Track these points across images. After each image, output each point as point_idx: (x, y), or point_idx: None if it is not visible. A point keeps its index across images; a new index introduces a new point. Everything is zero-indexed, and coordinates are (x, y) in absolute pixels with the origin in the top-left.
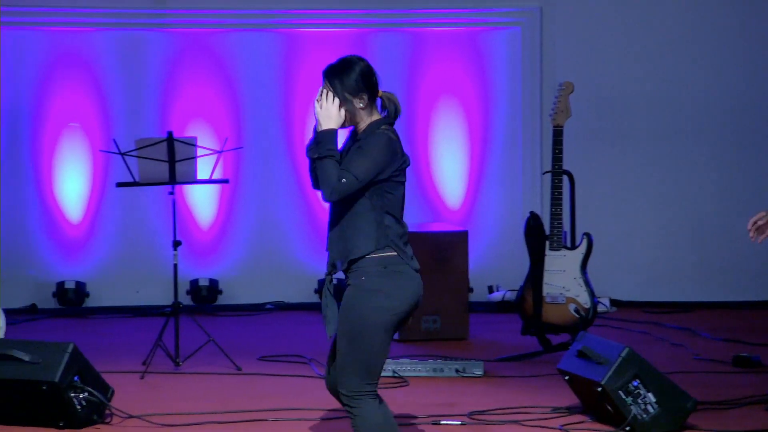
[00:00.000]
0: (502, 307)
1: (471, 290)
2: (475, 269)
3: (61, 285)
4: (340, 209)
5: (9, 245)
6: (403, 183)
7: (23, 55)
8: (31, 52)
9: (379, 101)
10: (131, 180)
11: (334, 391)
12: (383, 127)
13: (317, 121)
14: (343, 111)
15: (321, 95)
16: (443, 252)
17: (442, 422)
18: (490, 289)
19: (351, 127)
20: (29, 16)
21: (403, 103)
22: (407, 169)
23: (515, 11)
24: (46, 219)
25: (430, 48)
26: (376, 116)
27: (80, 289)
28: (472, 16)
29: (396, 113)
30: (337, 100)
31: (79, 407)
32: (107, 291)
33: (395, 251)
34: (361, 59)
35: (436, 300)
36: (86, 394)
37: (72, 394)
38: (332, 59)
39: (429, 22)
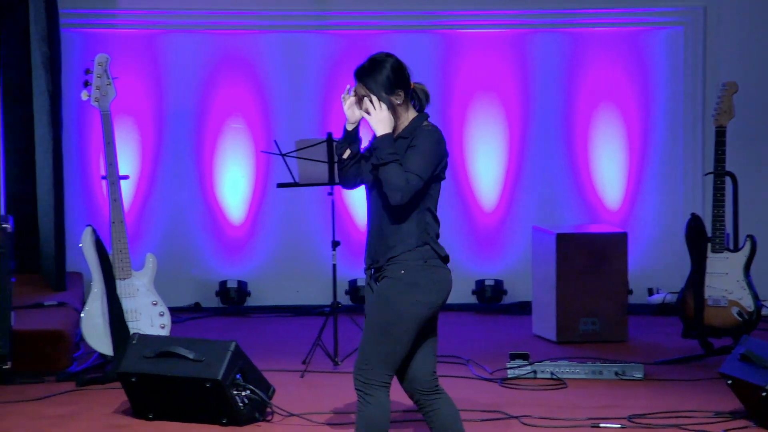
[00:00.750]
0: (662, 309)
1: (630, 292)
2: (635, 271)
3: (223, 284)
4: (383, 207)
5: (173, 245)
6: (442, 179)
7: (187, 58)
8: (194, 55)
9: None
10: (291, 181)
11: (411, 387)
12: (425, 123)
13: (346, 123)
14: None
15: (348, 93)
16: (602, 254)
17: (601, 425)
18: (650, 292)
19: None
20: (193, 19)
21: (561, 103)
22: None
23: (678, 11)
24: (209, 220)
25: (587, 48)
26: (412, 112)
27: (242, 288)
28: (632, 15)
29: (426, 103)
30: (384, 105)
31: (241, 405)
32: (268, 290)
33: (433, 248)
34: (389, 55)
35: (595, 302)
36: (248, 392)
37: (234, 392)
38: (490, 60)
39: (587, 22)
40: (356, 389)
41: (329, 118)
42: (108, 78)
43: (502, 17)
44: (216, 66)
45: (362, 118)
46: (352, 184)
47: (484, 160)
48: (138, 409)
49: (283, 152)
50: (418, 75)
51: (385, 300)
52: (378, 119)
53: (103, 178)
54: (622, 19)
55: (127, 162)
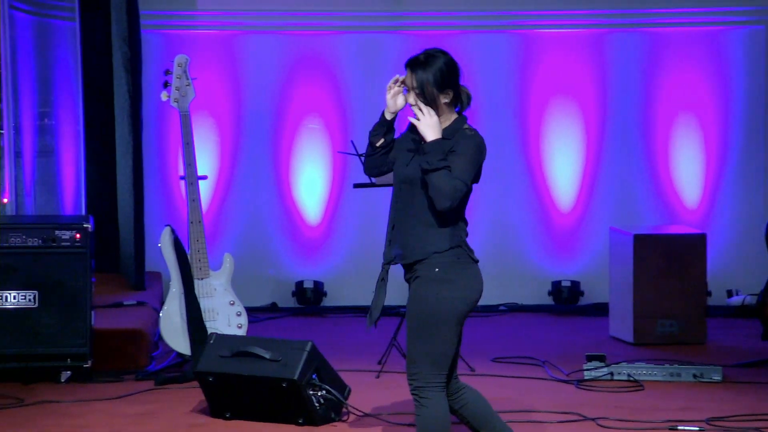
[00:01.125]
0: (741, 311)
1: (709, 294)
2: (714, 272)
3: (300, 284)
4: (422, 206)
5: (251, 245)
6: (476, 183)
7: (265, 59)
8: (272, 56)
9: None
10: (368, 181)
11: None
12: (465, 126)
13: (386, 111)
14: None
15: (395, 83)
16: (680, 255)
17: (679, 427)
18: (729, 293)
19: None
20: (272, 20)
21: (639, 102)
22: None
23: (758, 9)
24: (286, 220)
25: (665, 47)
26: (453, 113)
27: (318, 288)
28: (711, 15)
29: (466, 106)
30: (433, 111)
31: (317, 405)
32: (344, 290)
33: (464, 249)
34: (445, 53)
35: (672, 303)
36: (324, 391)
37: (311, 392)
38: (567, 60)
39: (665, 21)
40: (411, 393)
41: (406, 118)
42: (187, 79)
43: (580, 17)
44: (293, 66)
45: (401, 108)
46: (377, 173)
47: (561, 160)
48: (215, 409)
49: (360, 153)
50: (494, 75)
51: (423, 299)
52: (427, 124)
53: (182, 178)
54: (700, 18)
55: (206, 162)
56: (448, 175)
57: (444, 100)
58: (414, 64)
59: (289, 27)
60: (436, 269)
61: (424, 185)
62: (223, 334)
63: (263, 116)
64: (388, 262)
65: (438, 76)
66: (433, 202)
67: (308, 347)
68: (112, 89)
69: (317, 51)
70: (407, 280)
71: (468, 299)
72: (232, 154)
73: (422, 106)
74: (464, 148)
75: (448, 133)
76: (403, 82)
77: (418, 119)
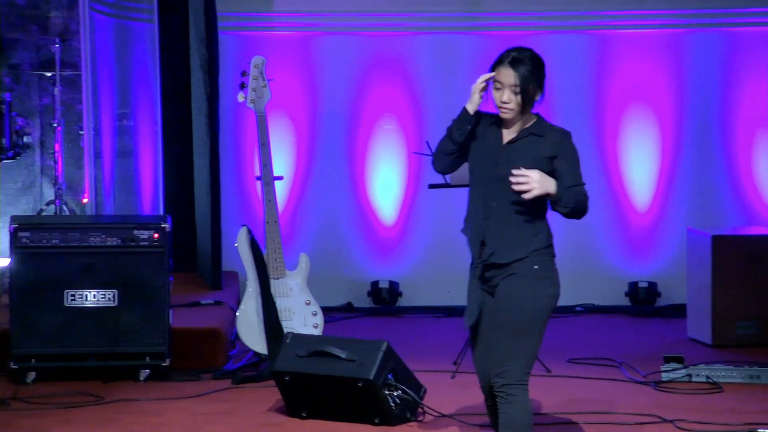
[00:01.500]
0: None
1: None
2: None
3: (375, 284)
4: (512, 204)
5: (326, 246)
6: None
7: (341, 60)
8: (348, 57)
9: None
10: (443, 182)
11: (489, 385)
12: (548, 122)
13: (470, 105)
14: None
15: (486, 80)
16: (760, 256)
17: (759, 431)
18: None
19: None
20: (348, 21)
21: (718, 102)
22: None
23: None
24: (361, 220)
25: (744, 47)
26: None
27: (393, 288)
28: None
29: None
30: (533, 170)
31: (393, 405)
32: (419, 291)
33: (553, 246)
34: (535, 53)
35: (752, 305)
36: (400, 392)
37: (386, 392)
38: (645, 60)
39: (743, 21)
40: (497, 391)
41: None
42: (264, 80)
43: (658, 17)
44: (369, 67)
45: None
46: (451, 170)
47: (637, 160)
48: (292, 408)
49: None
50: (571, 75)
51: (520, 296)
52: (540, 183)
53: (258, 178)
54: None
55: (282, 163)
56: (571, 191)
57: (537, 98)
58: (516, 62)
59: (365, 28)
60: (535, 267)
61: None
62: (300, 334)
63: (339, 117)
64: (483, 261)
65: (538, 74)
66: (573, 218)
67: (384, 347)
68: (190, 90)
69: (393, 52)
70: (486, 278)
71: (557, 295)
72: (308, 154)
73: (524, 171)
74: (568, 152)
75: (539, 130)
76: (500, 81)
77: (526, 189)
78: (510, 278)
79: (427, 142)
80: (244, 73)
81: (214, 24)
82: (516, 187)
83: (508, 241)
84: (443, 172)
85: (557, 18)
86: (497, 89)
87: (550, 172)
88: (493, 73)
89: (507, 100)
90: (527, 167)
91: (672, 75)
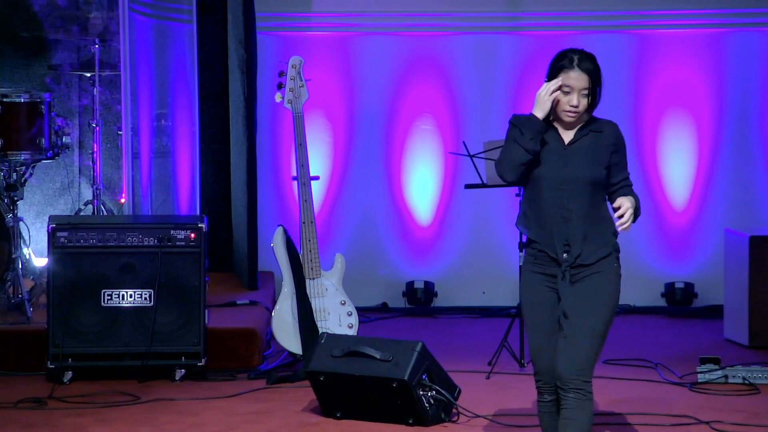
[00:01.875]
0: None
1: None
2: None
3: (410, 285)
4: (591, 204)
5: (362, 246)
6: None
7: (379, 60)
8: (386, 57)
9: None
10: (479, 182)
11: (554, 382)
12: (597, 119)
13: (540, 112)
14: None
15: (557, 86)
16: None
17: None
18: None
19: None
20: (386, 21)
21: (758, 103)
22: None
23: None
24: (397, 221)
25: None
26: None
27: (429, 289)
28: None
29: None
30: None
31: (427, 405)
32: (454, 291)
33: None
34: None
35: None
36: (434, 392)
37: (421, 392)
38: (685, 60)
39: None
40: (576, 389)
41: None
42: (301, 80)
43: (697, 17)
44: (407, 67)
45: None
46: (524, 178)
47: (676, 160)
48: (326, 408)
49: (472, 153)
50: (611, 75)
51: (608, 294)
52: (633, 210)
53: (294, 178)
54: None
55: (318, 163)
56: (632, 192)
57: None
58: (584, 65)
59: (404, 28)
60: (615, 264)
61: (593, 183)
62: (334, 334)
63: (376, 117)
64: (570, 264)
65: (601, 77)
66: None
67: (419, 347)
68: (228, 91)
69: (431, 52)
70: (563, 278)
71: None
72: (345, 154)
73: (623, 205)
74: (622, 144)
75: (596, 126)
76: (572, 86)
77: (626, 224)
78: (595, 276)
79: (464, 143)
80: (281, 74)
81: (252, 24)
82: (625, 226)
83: (591, 241)
84: (516, 183)
85: (596, 18)
86: (565, 93)
87: (608, 166)
88: (560, 79)
89: (577, 103)
90: (594, 165)
91: (711, 75)
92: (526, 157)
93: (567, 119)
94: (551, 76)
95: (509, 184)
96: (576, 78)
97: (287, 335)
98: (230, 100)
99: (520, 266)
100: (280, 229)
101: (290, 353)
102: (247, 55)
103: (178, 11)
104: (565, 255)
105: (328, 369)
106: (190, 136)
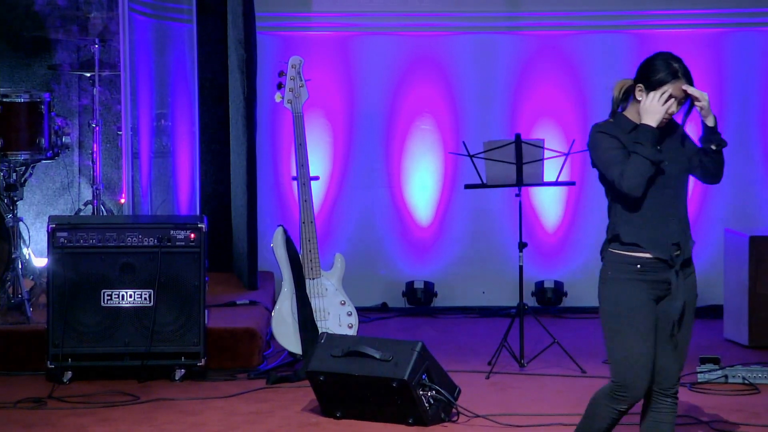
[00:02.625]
0: None
1: None
2: None
3: (410, 285)
4: (682, 200)
5: (362, 246)
6: None
7: (379, 60)
8: (387, 57)
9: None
10: (479, 182)
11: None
12: None
13: (654, 121)
14: None
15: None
16: None
17: None
18: None
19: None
20: (386, 21)
21: (758, 102)
22: None
23: None
24: (396, 221)
25: None
26: None
27: (428, 288)
28: None
29: None
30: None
31: (427, 405)
32: (454, 291)
33: None
34: None
35: None
36: (434, 392)
37: (420, 392)
38: (685, 59)
39: None
40: (672, 394)
41: (518, 119)
42: (301, 80)
43: (697, 17)
44: (407, 67)
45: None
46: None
47: None
48: (326, 408)
49: (471, 153)
50: (611, 75)
51: (695, 298)
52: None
53: (294, 178)
54: None
55: (318, 163)
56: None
57: None
58: (687, 74)
59: (404, 28)
60: (693, 261)
61: (684, 179)
62: (334, 334)
63: (376, 117)
64: (680, 263)
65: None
66: (713, 178)
67: (418, 347)
68: (227, 91)
69: (431, 52)
70: (669, 279)
71: None
72: (345, 154)
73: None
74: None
75: (670, 124)
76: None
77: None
78: (691, 277)
79: (463, 143)
80: (281, 74)
81: (252, 25)
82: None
83: (689, 237)
84: (639, 195)
85: (596, 18)
86: (665, 101)
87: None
88: (668, 90)
89: (676, 110)
90: (685, 162)
91: (711, 74)
92: (652, 169)
93: (661, 125)
94: (651, 83)
95: (634, 200)
96: (680, 89)
97: (287, 335)
98: (230, 101)
99: (520, 266)
100: (279, 229)
101: (290, 353)
102: (247, 55)
103: (178, 11)
104: (671, 255)
105: (327, 369)
106: (190, 136)
